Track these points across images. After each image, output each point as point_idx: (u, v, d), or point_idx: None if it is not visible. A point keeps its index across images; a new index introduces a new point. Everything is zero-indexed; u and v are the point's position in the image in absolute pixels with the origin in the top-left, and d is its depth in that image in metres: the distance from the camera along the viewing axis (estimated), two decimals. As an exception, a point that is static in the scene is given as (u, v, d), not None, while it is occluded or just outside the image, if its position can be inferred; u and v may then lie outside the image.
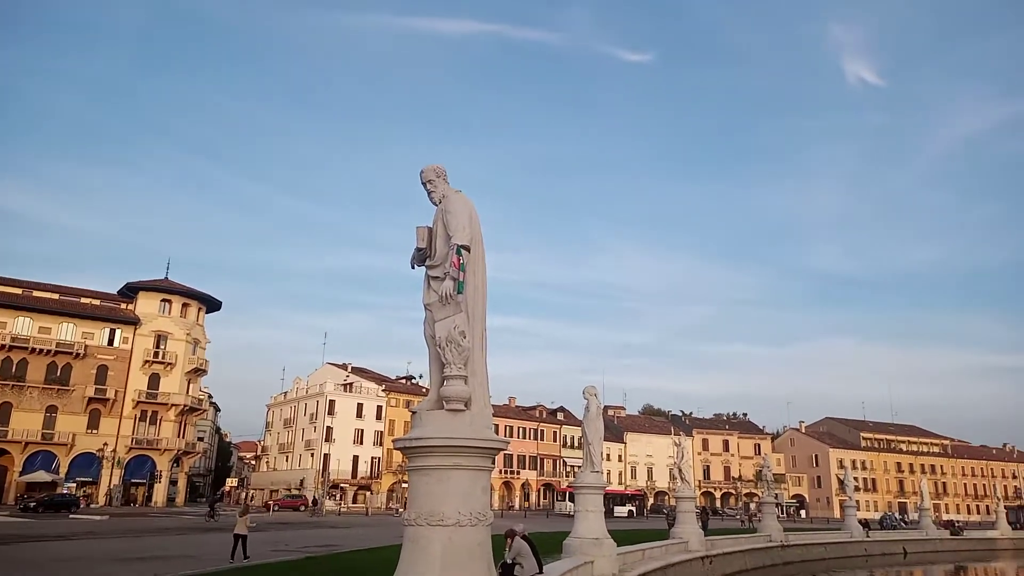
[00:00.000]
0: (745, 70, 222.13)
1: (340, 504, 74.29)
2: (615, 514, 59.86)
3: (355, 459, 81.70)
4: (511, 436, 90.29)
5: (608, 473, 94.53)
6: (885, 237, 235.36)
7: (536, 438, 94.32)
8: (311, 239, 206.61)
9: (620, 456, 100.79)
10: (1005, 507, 68.40)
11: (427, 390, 7.53)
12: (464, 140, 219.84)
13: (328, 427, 79.83)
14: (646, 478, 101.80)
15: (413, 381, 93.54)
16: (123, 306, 67.86)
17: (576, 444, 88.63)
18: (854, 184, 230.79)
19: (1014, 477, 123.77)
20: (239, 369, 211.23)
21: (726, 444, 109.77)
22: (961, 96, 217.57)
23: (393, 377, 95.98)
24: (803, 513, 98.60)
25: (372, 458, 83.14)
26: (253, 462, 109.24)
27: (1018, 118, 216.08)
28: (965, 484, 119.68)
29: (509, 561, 13.47)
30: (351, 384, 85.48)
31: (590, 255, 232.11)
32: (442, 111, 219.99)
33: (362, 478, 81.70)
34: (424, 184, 7.29)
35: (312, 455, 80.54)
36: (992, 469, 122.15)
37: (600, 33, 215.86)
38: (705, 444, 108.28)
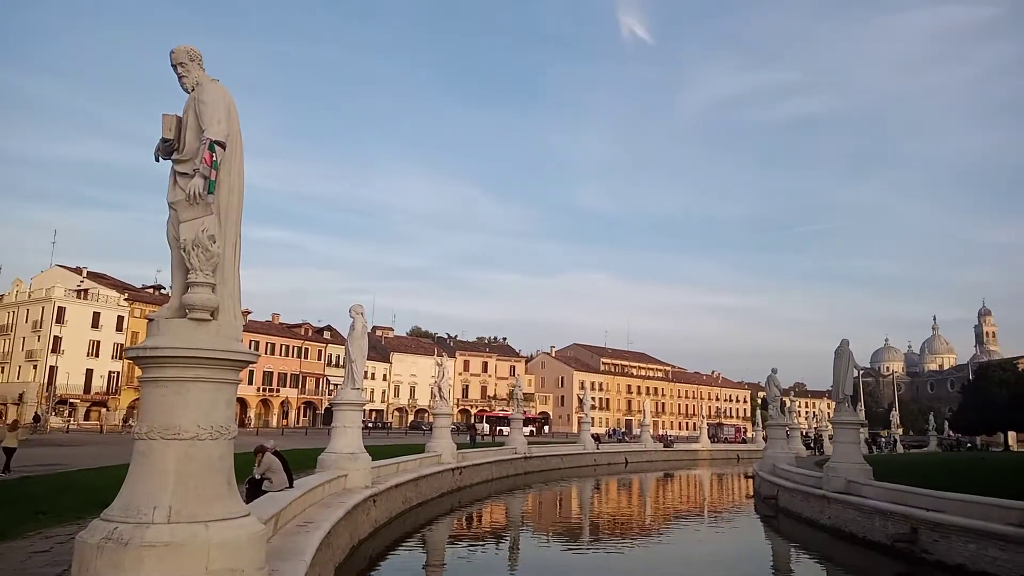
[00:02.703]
0: (533, 6, 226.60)
1: (69, 421, 67.19)
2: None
3: (89, 373, 73.76)
4: (273, 353, 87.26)
5: (371, 391, 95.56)
6: (641, 183, 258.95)
7: (300, 356, 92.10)
8: (40, 121, 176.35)
9: (385, 375, 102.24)
10: (707, 424, 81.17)
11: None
12: (235, 31, 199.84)
13: (56, 337, 70.80)
14: (409, 396, 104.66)
15: (163, 291, 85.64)
16: None
17: (342, 363, 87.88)
18: (620, 132, 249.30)
19: (717, 399, 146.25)
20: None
21: (485, 366, 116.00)
22: (716, 63, 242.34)
23: (139, 286, 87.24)
24: (547, 428, 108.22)
25: (110, 372, 75.68)
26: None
27: (758, 89, 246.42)
28: (679, 404, 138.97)
29: (258, 476, 13.21)
30: (86, 290, 76.16)
31: (368, 173, 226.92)
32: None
33: (97, 394, 74.30)
34: (175, 67, 6.48)
35: (35, 367, 71.26)
36: (701, 392, 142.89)
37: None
38: (466, 365, 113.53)
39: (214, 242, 6.04)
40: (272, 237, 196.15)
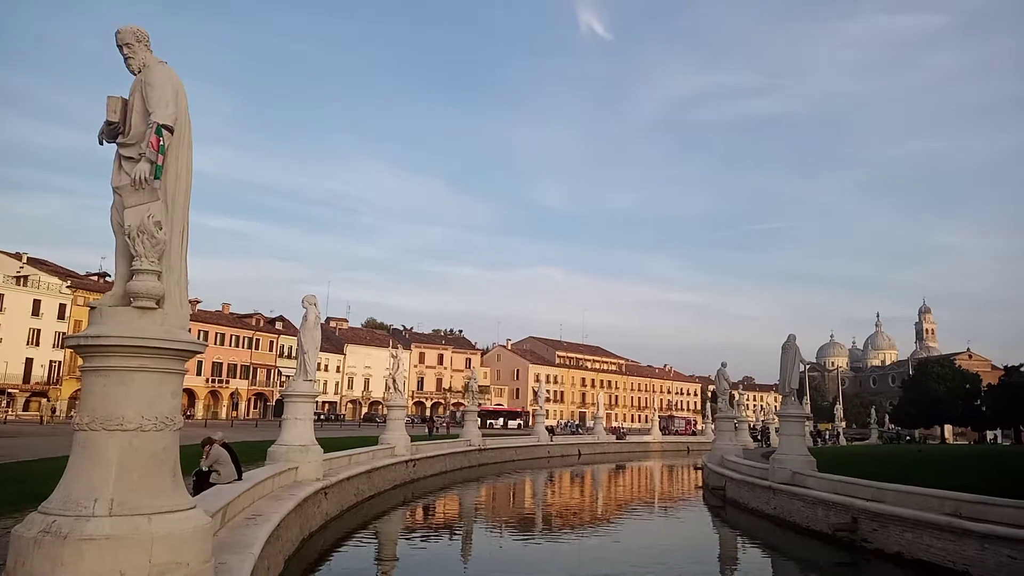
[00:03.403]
0: (493, 2, 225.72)
1: (7, 412, 64.75)
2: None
3: (28, 362, 71.14)
4: (223, 344, 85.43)
5: (324, 383, 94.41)
6: (598, 179, 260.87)
7: (251, 347, 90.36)
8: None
9: (339, 367, 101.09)
10: (659, 417, 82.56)
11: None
12: (191, 13, 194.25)
13: (-7, 325, 68.10)
14: (363, 388, 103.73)
15: (108, 279, 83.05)
16: None
17: (294, 354, 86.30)
18: (579, 128, 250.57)
19: (669, 392, 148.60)
20: None
21: (441, 358, 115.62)
22: (673, 61, 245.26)
23: (83, 273, 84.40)
24: (530, 423, 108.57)
25: (51, 362, 73.12)
26: None
27: (714, 88, 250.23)
28: (632, 397, 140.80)
29: (205, 469, 12.96)
30: (26, 277, 73.36)
31: (329, 164, 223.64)
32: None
33: (37, 384, 71.72)
34: (120, 48, 6.26)
35: (-32, 356, 68.40)
36: (653, 385, 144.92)
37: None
38: (422, 357, 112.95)
39: (160, 229, 5.89)
40: (224, 225, 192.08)
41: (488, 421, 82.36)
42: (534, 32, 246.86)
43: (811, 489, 19.87)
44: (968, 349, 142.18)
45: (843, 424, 77.13)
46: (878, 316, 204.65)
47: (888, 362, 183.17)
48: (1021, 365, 74.64)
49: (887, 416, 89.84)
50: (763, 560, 18.59)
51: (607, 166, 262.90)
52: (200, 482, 12.60)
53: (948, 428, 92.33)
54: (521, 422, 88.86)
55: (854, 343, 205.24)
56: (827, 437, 70.14)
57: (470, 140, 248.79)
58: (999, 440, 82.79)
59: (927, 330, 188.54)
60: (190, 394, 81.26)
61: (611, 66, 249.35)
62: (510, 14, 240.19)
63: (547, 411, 67.35)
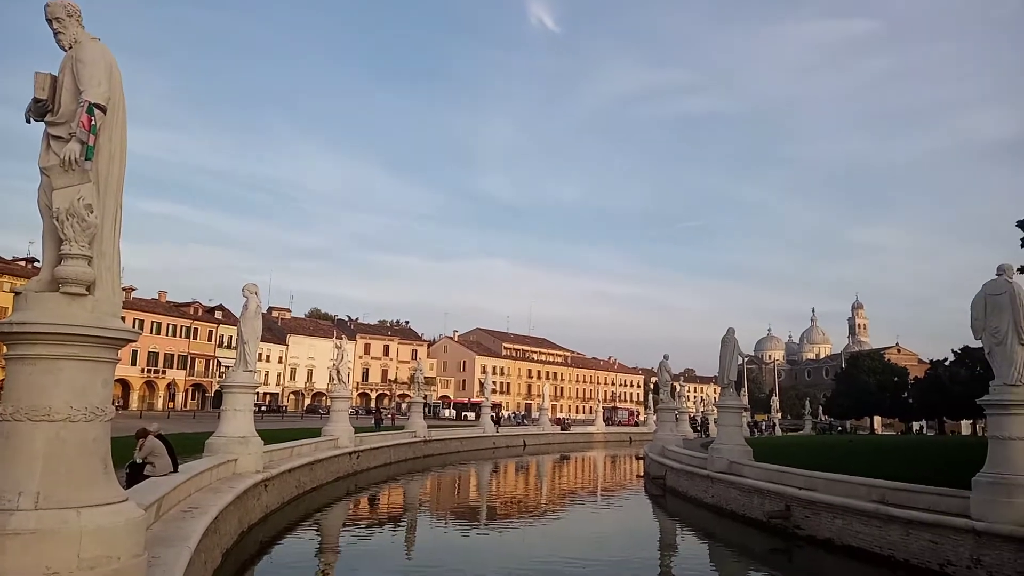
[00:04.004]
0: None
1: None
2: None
3: (-52, 352, 67.77)
4: (159, 333, 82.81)
5: (266, 374, 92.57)
6: (542, 172, 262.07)
7: (189, 336, 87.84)
8: None
9: (281, 358, 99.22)
10: (603, 408, 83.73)
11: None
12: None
13: (-91, 312, 64.50)
14: (306, 380, 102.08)
15: (36, 264, 79.39)
16: None
17: (234, 344, 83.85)
18: (523, 120, 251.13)
19: (613, 384, 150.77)
20: None
21: (386, 349, 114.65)
22: (618, 58, 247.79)
23: (9, 258, 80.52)
24: (447, 412, 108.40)
25: (-27, 351, 69.79)
26: None
27: (656, 86, 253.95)
28: (577, 389, 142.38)
29: (139, 461, 12.60)
30: (-54, 262, 69.69)
31: (270, 149, 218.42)
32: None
33: (-43, 374, 68.34)
34: (50, 22, 5.98)
35: None
36: (598, 377, 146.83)
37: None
38: (367, 348, 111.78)
39: (91, 212, 5.67)
40: (161, 210, 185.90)
41: (464, 414, 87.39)
42: (483, 22, 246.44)
43: (747, 478, 20.47)
44: (897, 344, 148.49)
45: (779, 415, 79.57)
46: (813, 311, 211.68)
47: (822, 355, 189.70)
48: (945, 359, 78.31)
49: (821, 408, 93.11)
50: (701, 547, 19.09)
51: (552, 158, 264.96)
52: (134, 475, 12.24)
53: (877, 419, 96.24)
54: (494, 414, 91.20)
55: (790, 337, 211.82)
56: (763, 428, 72.34)
57: (415, 129, 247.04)
58: (924, 430, 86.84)
59: (859, 325, 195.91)
60: (124, 385, 78.59)
61: (559, 60, 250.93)
62: (459, 3, 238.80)
63: (503, 403, 67.62)
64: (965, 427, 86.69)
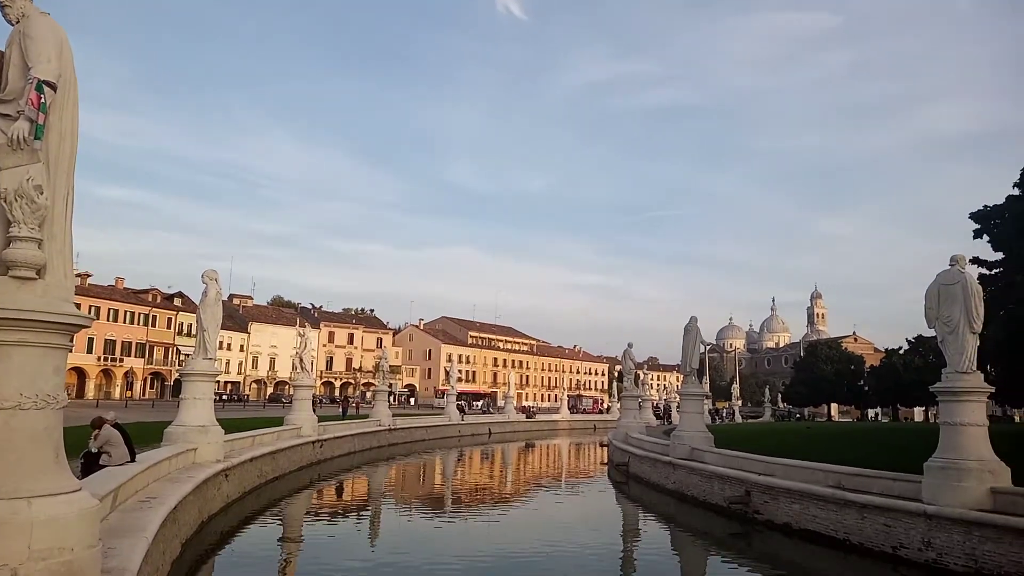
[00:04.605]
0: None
1: None
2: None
3: None
4: (116, 321, 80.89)
5: (227, 362, 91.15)
6: (511, 161, 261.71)
7: (148, 324, 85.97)
8: None
9: (242, 346, 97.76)
10: (568, 396, 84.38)
11: None
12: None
13: None
14: (268, 368, 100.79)
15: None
16: None
17: (194, 332, 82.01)
18: (491, 108, 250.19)
19: (578, 372, 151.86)
20: None
21: (351, 337, 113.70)
22: (586, 48, 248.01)
23: (-44, 242, 77.83)
24: (412, 400, 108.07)
25: (-81, 339, 67.40)
26: None
27: (624, 77, 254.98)
28: (543, 377, 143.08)
29: (94, 450, 12.32)
30: None
31: (231, 134, 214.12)
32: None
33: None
34: (-6, -7, 5.75)
35: None
36: (563, 365, 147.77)
37: None
38: (331, 337, 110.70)
39: (41, 193, 5.48)
40: (119, 196, 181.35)
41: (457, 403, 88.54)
42: (450, 9, 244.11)
43: (708, 464, 20.82)
44: (854, 333, 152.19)
45: (739, 403, 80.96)
46: (773, 301, 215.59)
47: (782, 344, 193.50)
48: (900, 348, 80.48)
49: (780, 395, 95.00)
50: (662, 532, 19.38)
51: (520, 148, 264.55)
52: (89, 464, 11.96)
53: (835, 406, 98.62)
54: (488, 402, 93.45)
55: (751, 326, 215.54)
56: (724, 415, 73.55)
57: (381, 115, 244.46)
58: (879, 417, 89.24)
59: (818, 314, 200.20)
60: (80, 373, 76.71)
61: (526, 48, 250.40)
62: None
63: (459, 391, 67.65)
64: (918, 414, 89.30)
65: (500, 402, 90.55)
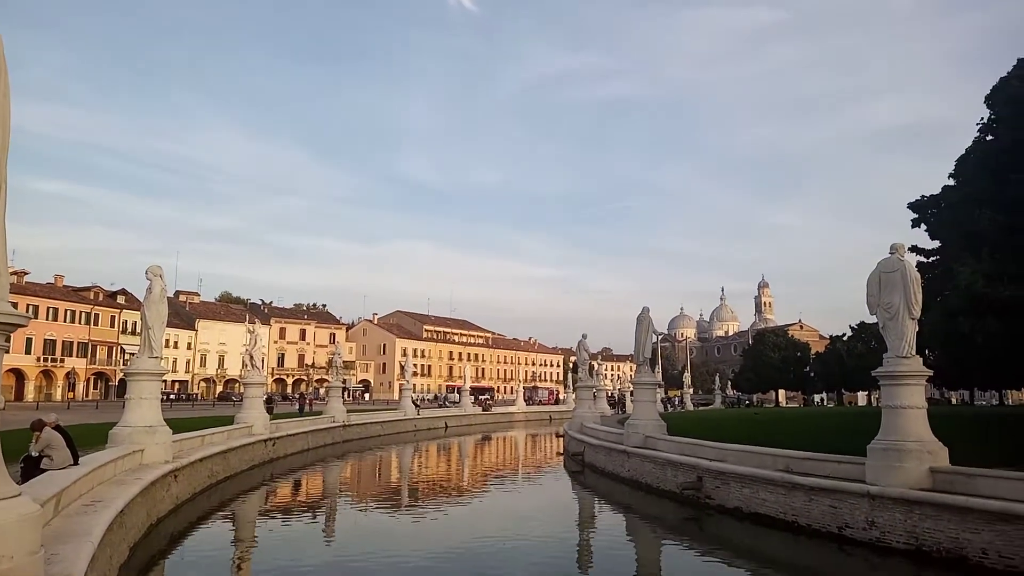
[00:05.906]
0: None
1: None
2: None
3: None
4: (56, 319, 78.02)
5: (174, 361, 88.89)
6: (464, 154, 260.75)
7: (89, 323, 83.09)
8: None
9: (190, 344, 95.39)
10: (523, 388, 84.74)
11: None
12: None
13: None
14: (217, 366, 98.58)
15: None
16: None
17: (138, 330, 79.31)
18: (445, 101, 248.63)
19: (533, 364, 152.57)
20: None
21: (303, 333, 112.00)
22: (538, 41, 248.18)
23: None
24: (367, 396, 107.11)
25: None
26: None
27: (576, 70, 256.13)
28: (499, 369, 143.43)
29: (35, 454, 11.90)
30: None
31: (177, 127, 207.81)
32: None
33: None
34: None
35: None
36: (520, 357, 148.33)
37: None
38: (282, 333, 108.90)
39: (-29, 186, 5.23)
40: (58, 190, 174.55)
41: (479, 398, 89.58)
42: (401, 0, 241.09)
43: (662, 451, 21.16)
44: (800, 320, 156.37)
45: (691, 390, 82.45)
46: (723, 290, 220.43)
47: (731, 333, 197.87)
48: (844, 335, 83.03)
49: (730, 382, 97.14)
50: (618, 519, 19.64)
51: (472, 141, 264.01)
52: (29, 469, 11.54)
53: (782, 392, 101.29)
54: (488, 397, 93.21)
55: (701, 315, 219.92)
56: (676, 403, 74.84)
57: (332, 108, 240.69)
58: (824, 402, 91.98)
59: (765, 303, 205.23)
60: (18, 374, 73.84)
61: (477, 40, 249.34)
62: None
63: (414, 385, 67.26)
64: (862, 398, 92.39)
65: (454, 396, 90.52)
